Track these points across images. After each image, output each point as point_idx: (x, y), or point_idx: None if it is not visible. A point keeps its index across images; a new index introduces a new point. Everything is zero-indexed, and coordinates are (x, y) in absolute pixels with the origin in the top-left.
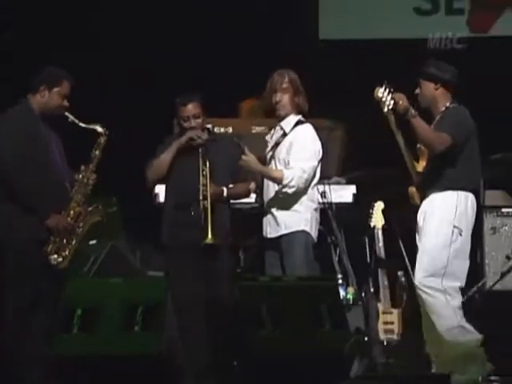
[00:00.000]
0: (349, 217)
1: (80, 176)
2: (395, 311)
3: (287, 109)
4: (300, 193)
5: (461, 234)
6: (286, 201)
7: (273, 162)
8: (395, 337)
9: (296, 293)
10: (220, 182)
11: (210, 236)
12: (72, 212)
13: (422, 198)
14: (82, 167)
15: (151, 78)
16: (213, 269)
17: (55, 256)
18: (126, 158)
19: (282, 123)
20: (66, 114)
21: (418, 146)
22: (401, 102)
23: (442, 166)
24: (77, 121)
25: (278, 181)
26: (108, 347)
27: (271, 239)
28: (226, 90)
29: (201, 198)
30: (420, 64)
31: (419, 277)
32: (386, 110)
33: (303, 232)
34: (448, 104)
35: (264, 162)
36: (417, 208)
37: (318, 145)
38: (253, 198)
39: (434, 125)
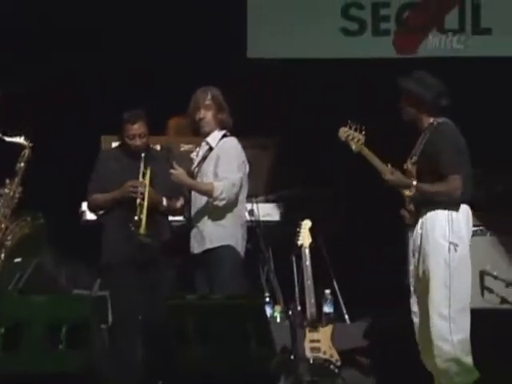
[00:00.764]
0: (276, 235)
1: (5, 190)
2: (322, 329)
3: (211, 125)
4: (230, 206)
5: (456, 250)
6: (213, 215)
7: (200, 176)
8: (321, 355)
9: (223, 311)
10: (160, 194)
11: (143, 229)
12: None
13: (416, 218)
14: (7, 181)
15: (80, 91)
16: (153, 285)
17: None
18: (51, 174)
19: (208, 138)
20: None
21: (405, 167)
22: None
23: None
24: (0, 135)
25: (208, 194)
26: (32, 366)
27: (198, 255)
28: (153, 108)
29: (139, 195)
30: (403, 77)
31: (428, 303)
32: (354, 148)
33: (229, 247)
34: (432, 120)
35: (192, 177)
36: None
37: (243, 157)
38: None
39: (422, 143)
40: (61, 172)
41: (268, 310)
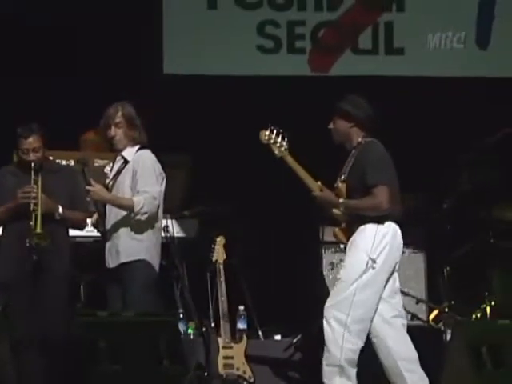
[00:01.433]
0: (191, 251)
1: None
2: (235, 346)
3: (123, 143)
4: (148, 220)
5: (373, 268)
6: (129, 229)
7: (115, 190)
8: (235, 371)
9: (134, 328)
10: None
11: (39, 228)
12: None
13: (349, 235)
14: None
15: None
16: (46, 302)
17: None
18: None
19: (123, 153)
20: None
21: (335, 185)
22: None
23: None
24: None
25: (128, 208)
26: None
27: (113, 269)
28: (66, 123)
29: (31, 200)
30: (336, 100)
31: (327, 304)
32: (277, 153)
33: (144, 261)
34: (360, 139)
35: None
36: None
37: (160, 169)
38: (94, 231)
39: (351, 161)
40: None
41: (182, 327)
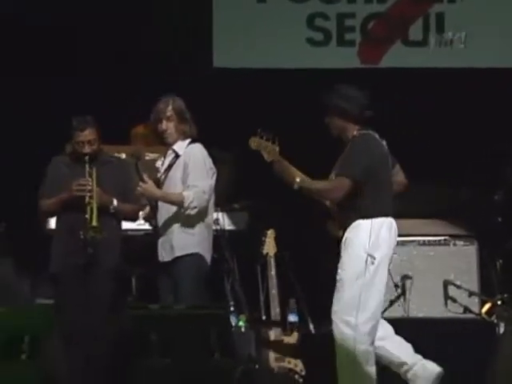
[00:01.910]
0: (241, 244)
1: None
2: (286, 338)
3: (174, 137)
4: (199, 215)
5: (373, 263)
6: (182, 223)
7: (167, 184)
8: (286, 364)
9: (186, 321)
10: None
11: (95, 221)
12: None
13: (342, 229)
14: None
15: (43, 101)
16: (97, 295)
17: None
18: (15, 183)
19: (174, 146)
20: None
21: (330, 177)
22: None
23: (351, 198)
24: None
25: (178, 204)
26: None
27: (165, 263)
28: (116, 116)
29: (86, 193)
30: (327, 94)
31: (334, 308)
32: (267, 157)
33: (197, 255)
34: (355, 132)
35: (158, 185)
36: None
37: (210, 163)
38: (146, 224)
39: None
40: (25, 182)
41: (233, 320)
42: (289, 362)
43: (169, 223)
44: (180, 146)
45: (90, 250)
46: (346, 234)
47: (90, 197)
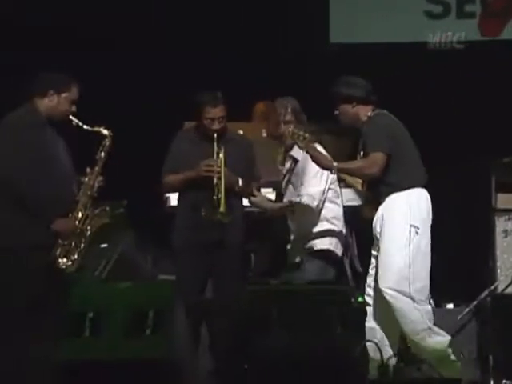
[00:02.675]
0: (359, 220)
1: (86, 179)
2: None
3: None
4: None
5: (417, 233)
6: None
7: (289, 189)
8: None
9: (307, 296)
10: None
11: (222, 207)
12: (79, 215)
13: (375, 209)
14: (88, 170)
15: (162, 79)
16: (221, 269)
17: (64, 260)
18: (136, 160)
19: (292, 152)
20: (71, 117)
21: (359, 157)
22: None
23: (383, 173)
24: (81, 124)
25: (289, 214)
26: (118, 351)
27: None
28: (237, 93)
29: (215, 174)
30: (332, 85)
31: (385, 281)
32: (302, 147)
33: (327, 251)
34: (369, 114)
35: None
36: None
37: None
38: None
39: (362, 139)
40: (146, 159)
41: (353, 295)
42: None
43: (299, 222)
44: (297, 150)
45: (217, 233)
46: (381, 210)
47: (218, 178)
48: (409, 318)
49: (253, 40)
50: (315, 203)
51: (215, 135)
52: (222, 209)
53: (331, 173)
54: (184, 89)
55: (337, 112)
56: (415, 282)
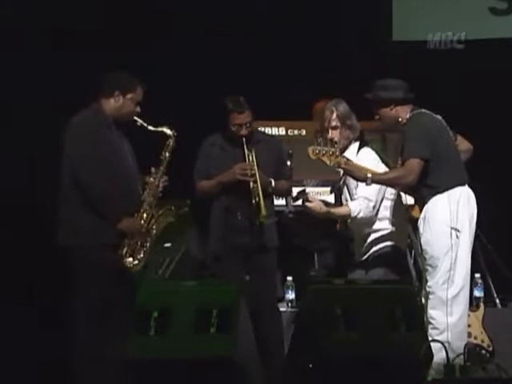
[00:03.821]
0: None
1: (151, 179)
2: (472, 314)
3: (342, 143)
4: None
5: (458, 236)
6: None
7: (345, 191)
8: (472, 340)
9: (371, 295)
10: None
11: (263, 210)
12: (144, 215)
13: (420, 210)
14: (153, 170)
15: (216, 78)
16: (262, 272)
17: (130, 259)
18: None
19: (346, 153)
20: (135, 118)
21: (400, 162)
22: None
23: (422, 177)
24: (145, 124)
25: (346, 217)
26: (183, 350)
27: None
28: (299, 92)
29: (250, 178)
30: (368, 91)
31: (429, 285)
32: (329, 163)
33: (391, 246)
34: (408, 115)
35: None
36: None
37: (380, 167)
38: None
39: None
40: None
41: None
42: (475, 338)
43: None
44: (351, 152)
45: (256, 237)
46: (424, 213)
47: (254, 181)
48: (434, 326)
49: (314, 38)
50: (371, 204)
51: (244, 139)
52: (263, 212)
53: (366, 184)
54: (248, 87)
55: (377, 117)
56: (453, 286)
